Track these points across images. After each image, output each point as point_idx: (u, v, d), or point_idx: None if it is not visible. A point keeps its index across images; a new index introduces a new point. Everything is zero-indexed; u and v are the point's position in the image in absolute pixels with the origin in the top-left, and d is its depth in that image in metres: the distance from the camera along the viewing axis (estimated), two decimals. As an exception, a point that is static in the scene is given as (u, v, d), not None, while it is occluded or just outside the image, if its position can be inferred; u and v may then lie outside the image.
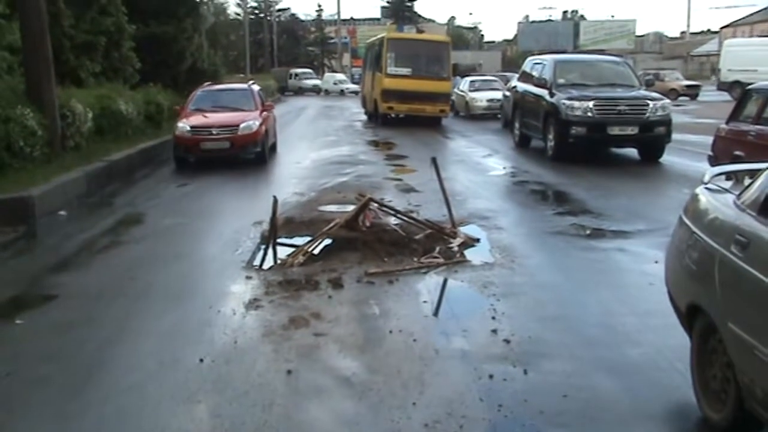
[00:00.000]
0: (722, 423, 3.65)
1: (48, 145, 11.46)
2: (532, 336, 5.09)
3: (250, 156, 13.85)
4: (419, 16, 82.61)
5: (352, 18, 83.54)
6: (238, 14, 66.04)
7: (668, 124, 13.74)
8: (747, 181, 3.96)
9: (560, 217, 9.05)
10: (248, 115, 14.13)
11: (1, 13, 14.08)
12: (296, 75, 58.64)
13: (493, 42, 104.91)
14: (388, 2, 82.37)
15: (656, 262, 6.16)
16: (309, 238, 7.60)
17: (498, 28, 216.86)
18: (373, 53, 25.87)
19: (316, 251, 7.29)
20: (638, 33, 76.02)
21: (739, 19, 70.18)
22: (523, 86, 16.82)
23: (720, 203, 3.94)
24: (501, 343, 4.95)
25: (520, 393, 4.19)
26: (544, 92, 14.79)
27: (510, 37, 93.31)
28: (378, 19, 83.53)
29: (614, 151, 14.78)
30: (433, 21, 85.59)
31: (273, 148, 15.86)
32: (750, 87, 10.36)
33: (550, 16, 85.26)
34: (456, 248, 7.34)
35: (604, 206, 9.62)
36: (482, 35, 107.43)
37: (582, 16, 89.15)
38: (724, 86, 34.79)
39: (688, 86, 39.07)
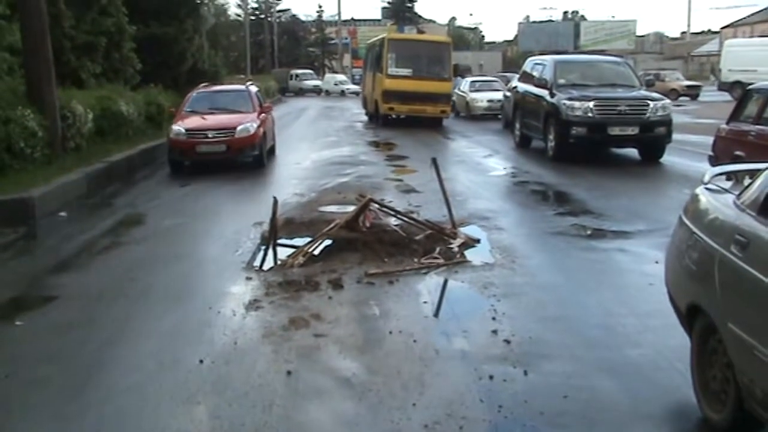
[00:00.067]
0: (722, 423, 3.64)
1: (48, 146, 11.48)
2: (533, 337, 5.09)
3: (247, 159, 13.52)
4: (420, 16, 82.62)
5: (352, 19, 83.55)
6: (239, 15, 66.04)
7: (669, 124, 13.73)
8: (747, 182, 3.95)
9: (561, 218, 9.04)
10: (245, 117, 13.73)
11: (2, 14, 14.09)
12: (297, 76, 58.65)
13: (494, 42, 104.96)
14: (388, 3, 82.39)
15: (657, 262, 6.14)
16: (309, 239, 7.60)
17: (498, 29, 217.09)
18: (373, 54, 25.86)
19: (316, 252, 7.28)
20: (639, 33, 75.98)
21: (740, 20, 70.17)
22: (523, 87, 16.81)
23: (720, 203, 3.94)
24: (501, 344, 4.94)
25: (520, 394, 4.19)
26: (544, 93, 14.79)
27: (510, 37, 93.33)
28: (378, 20, 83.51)
29: (615, 152, 14.77)
30: (434, 22, 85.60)
31: (271, 150, 15.46)
32: (750, 87, 10.36)
33: (551, 16, 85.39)
34: (456, 249, 7.33)
35: (605, 206, 9.62)
36: (483, 36, 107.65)
37: (582, 16, 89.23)
38: (724, 86, 34.80)
39: (688, 86, 39.10)
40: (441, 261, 6.97)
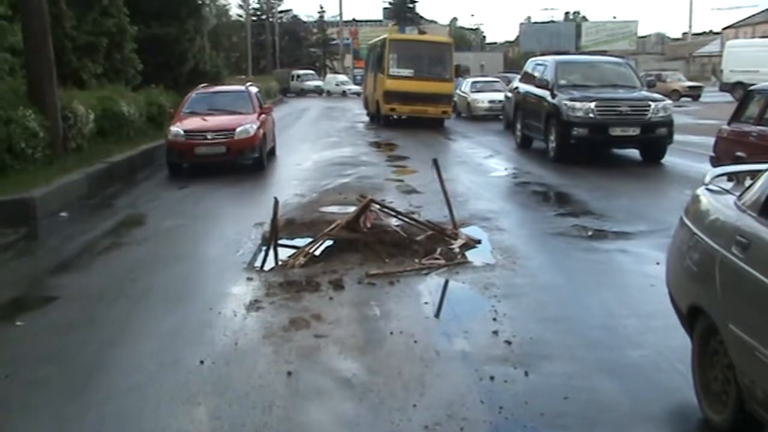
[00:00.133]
0: (723, 424, 3.64)
1: (49, 146, 11.48)
2: (534, 337, 5.08)
3: (247, 162, 13.30)
4: (421, 17, 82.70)
5: (354, 19, 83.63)
6: (240, 16, 66.21)
7: (670, 125, 13.72)
8: (748, 183, 3.95)
9: (562, 219, 9.03)
10: (245, 118, 13.50)
11: (3, 15, 14.10)
12: (298, 76, 58.70)
13: (495, 43, 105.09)
14: (390, 3, 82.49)
15: (658, 263, 6.15)
16: (310, 240, 7.60)
17: (500, 30, 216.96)
18: (375, 54, 25.86)
19: (317, 252, 7.28)
20: (640, 34, 75.97)
21: (741, 20, 70.16)
22: (524, 87, 16.80)
23: (721, 204, 3.93)
24: (502, 345, 4.94)
25: (520, 395, 4.18)
26: (545, 93, 14.78)
27: (512, 38, 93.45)
28: (380, 21, 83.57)
29: (616, 152, 14.76)
30: (435, 22, 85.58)
31: (272, 152, 15.30)
32: (752, 88, 10.35)
33: (552, 17, 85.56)
34: (457, 249, 7.33)
35: (606, 207, 9.61)
36: (484, 36, 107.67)
37: (584, 17, 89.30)
38: (726, 87, 34.77)
39: (690, 87, 39.08)
40: (442, 262, 6.96)
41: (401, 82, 22.48)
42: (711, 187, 4.28)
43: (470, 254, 7.28)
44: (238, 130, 12.99)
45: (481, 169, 13.82)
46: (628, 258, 7.26)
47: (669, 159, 13.77)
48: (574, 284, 6.50)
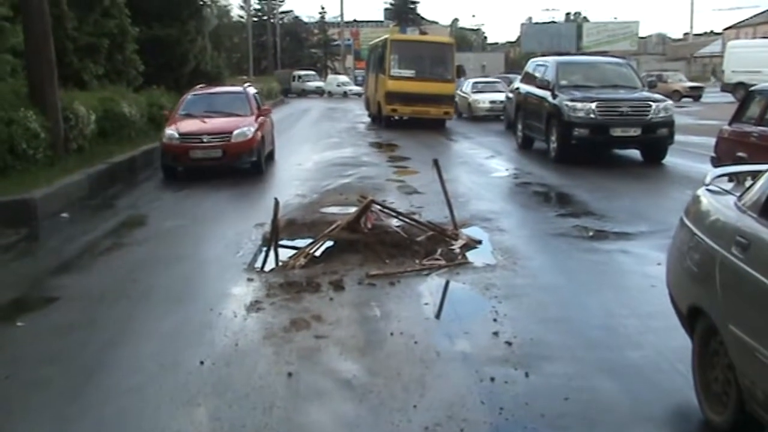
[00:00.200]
0: (723, 425, 3.63)
1: (51, 147, 11.48)
2: (534, 338, 5.08)
3: (244, 166, 12.81)
4: (422, 18, 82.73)
5: (355, 20, 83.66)
6: (242, 17, 66.19)
7: (671, 125, 13.72)
8: (748, 183, 3.94)
9: (563, 219, 9.03)
10: (242, 120, 13.05)
11: (5, 16, 14.11)
12: (299, 77, 58.76)
13: (496, 44, 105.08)
14: (391, 4, 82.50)
15: (659, 264, 6.13)
16: (311, 240, 7.60)
17: (501, 30, 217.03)
18: (376, 55, 25.84)
19: (317, 253, 7.28)
20: (641, 34, 75.96)
21: (743, 21, 70.12)
22: (525, 88, 16.80)
23: (721, 205, 3.93)
24: (502, 346, 4.93)
25: (521, 396, 4.18)
26: (546, 94, 14.78)
27: (513, 38, 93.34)
28: (381, 21, 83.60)
29: (617, 153, 14.76)
30: (436, 23, 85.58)
31: (270, 156, 14.77)
32: (753, 89, 10.34)
33: (553, 17, 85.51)
34: (458, 250, 7.33)
35: (607, 208, 9.61)
36: (485, 37, 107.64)
37: (585, 17, 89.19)
38: (727, 88, 34.75)
39: (691, 88, 39.07)
40: (442, 262, 6.96)
41: (403, 82, 22.44)
42: (711, 187, 4.28)
43: (471, 255, 7.27)
44: (235, 132, 12.58)
45: (482, 170, 13.82)
46: (629, 259, 7.25)
47: (670, 159, 13.77)
48: (574, 285, 6.49)
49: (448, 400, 4.13)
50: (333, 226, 7.75)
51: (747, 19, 69.47)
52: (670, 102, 14.56)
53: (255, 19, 66.20)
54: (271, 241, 7.37)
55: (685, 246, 4.11)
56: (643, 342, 4.99)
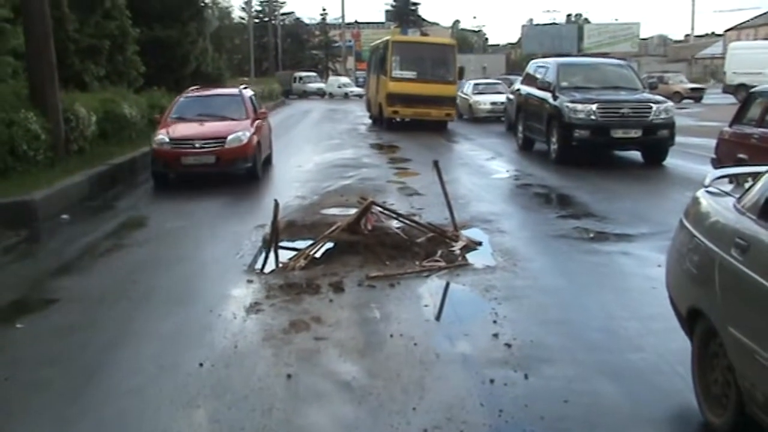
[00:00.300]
0: (723, 427, 3.62)
1: (51, 148, 11.49)
2: (534, 340, 5.07)
3: (239, 172, 12.19)
4: (423, 19, 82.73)
5: (356, 21, 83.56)
6: (243, 18, 66.33)
7: (671, 126, 13.72)
8: (748, 185, 3.94)
9: (563, 221, 9.03)
10: (238, 124, 12.43)
11: (6, 18, 14.14)
12: (300, 78, 58.80)
13: (498, 45, 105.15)
14: (392, 5, 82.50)
15: (659, 265, 6.10)
16: (311, 242, 7.60)
17: (502, 32, 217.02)
18: (377, 56, 25.82)
19: (317, 255, 7.28)
20: (642, 36, 76.01)
21: (744, 22, 70.11)
22: (526, 89, 16.80)
23: (720, 206, 3.93)
24: (502, 348, 4.93)
25: (520, 398, 4.17)
26: (547, 95, 14.78)
27: (514, 40, 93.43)
28: (382, 23, 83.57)
29: (618, 154, 14.75)
30: (438, 24, 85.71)
31: (267, 161, 14.17)
32: (753, 90, 10.35)
33: (554, 19, 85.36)
34: (458, 252, 7.32)
35: (608, 209, 9.60)
36: (486, 38, 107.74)
37: (586, 19, 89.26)
38: (729, 89, 34.72)
39: (692, 89, 39.05)
40: (442, 264, 6.96)
41: (404, 84, 22.39)
42: (711, 189, 4.27)
43: (471, 256, 7.27)
44: (230, 138, 11.95)
45: (482, 171, 13.81)
46: (630, 260, 7.25)
47: (671, 161, 13.76)
48: (575, 287, 6.48)
49: (447, 402, 4.13)
50: (333, 228, 7.75)
51: (748, 21, 69.45)
52: (670, 103, 14.56)
53: (256, 20, 66.29)
54: (271, 242, 7.37)
55: (685, 248, 4.10)
56: (644, 344, 4.99)
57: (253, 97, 14.50)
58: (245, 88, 15.29)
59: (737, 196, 3.84)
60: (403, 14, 79.77)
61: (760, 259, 3.21)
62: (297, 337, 5.16)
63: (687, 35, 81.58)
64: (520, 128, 16.94)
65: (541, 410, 4.02)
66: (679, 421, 4.07)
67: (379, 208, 8.12)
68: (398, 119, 23.16)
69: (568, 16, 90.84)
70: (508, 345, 4.95)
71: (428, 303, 6.00)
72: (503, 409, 4.03)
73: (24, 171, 10.60)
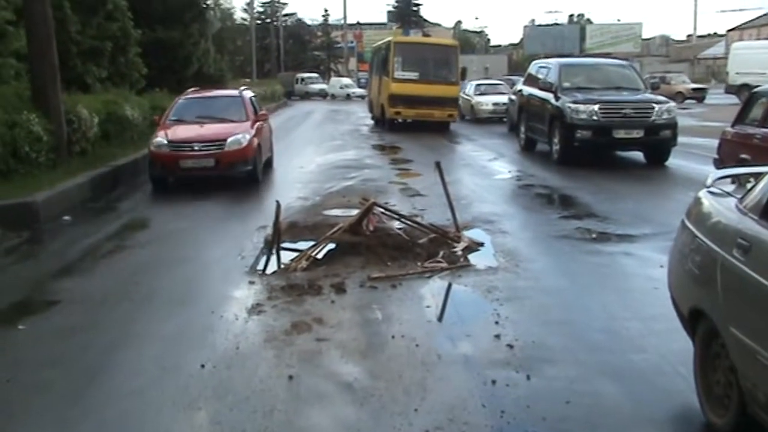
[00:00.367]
0: (725, 428, 3.62)
1: (54, 150, 11.50)
2: (536, 341, 5.07)
3: (239, 175, 11.93)
4: (425, 20, 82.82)
5: (358, 22, 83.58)
6: (245, 19, 66.32)
7: (674, 127, 13.71)
8: (750, 185, 3.93)
9: (565, 221, 9.02)
10: (238, 127, 12.18)
11: (8, 20, 14.15)
12: (302, 79, 58.81)
13: (500, 46, 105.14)
14: (394, 7, 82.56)
15: (662, 266, 6.07)
16: (313, 243, 7.59)
17: (504, 32, 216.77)
18: (379, 57, 25.81)
19: (319, 256, 7.28)
20: (645, 36, 75.93)
21: (746, 22, 70.11)
22: (528, 90, 16.80)
23: (722, 207, 3.92)
24: (504, 349, 4.92)
25: (522, 399, 4.17)
26: (549, 96, 14.78)
27: (516, 41, 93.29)
28: (384, 24, 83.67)
29: (620, 155, 14.74)
30: (440, 25, 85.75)
31: (268, 163, 13.93)
32: (756, 90, 10.33)
33: (556, 19, 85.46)
34: (460, 252, 7.31)
35: (610, 210, 9.59)
36: (488, 39, 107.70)
37: (588, 19, 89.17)
38: (732, 89, 34.66)
39: (694, 89, 39.02)
40: (444, 265, 6.95)
41: (406, 85, 22.34)
42: (713, 189, 4.27)
43: (473, 257, 7.27)
44: (229, 140, 11.69)
45: (484, 172, 13.81)
46: (632, 261, 7.24)
47: (673, 161, 13.75)
48: (577, 287, 6.48)
49: (449, 403, 4.12)
50: (335, 229, 7.74)
51: (751, 21, 69.43)
52: (673, 104, 14.55)
53: (258, 21, 66.37)
54: (273, 243, 7.38)
55: (687, 248, 4.09)
56: (646, 345, 4.98)
57: (254, 99, 14.28)
58: (245, 89, 15.18)
59: (739, 196, 3.84)
60: (405, 15, 79.85)
61: (762, 260, 3.20)
62: (299, 338, 5.16)
63: (689, 35, 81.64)
64: (522, 129, 16.94)
65: (543, 411, 4.01)
66: (681, 421, 4.06)
67: (381, 209, 8.12)
68: (400, 120, 23.15)
69: (570, 16, 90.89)
70: (510, 346, 4.95)
71: (430, 304, 5.99)
72: (505, 409, 4.03)
73: (26, 172, 10.61)
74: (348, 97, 51.76)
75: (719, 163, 9.65)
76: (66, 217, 9.68)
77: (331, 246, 7.53)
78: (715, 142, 10.69)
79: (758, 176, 3.83)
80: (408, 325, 5.42)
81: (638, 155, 14.32)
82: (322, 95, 55.25)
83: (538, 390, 4.29)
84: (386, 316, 5.64)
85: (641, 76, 16.57)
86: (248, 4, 61.13)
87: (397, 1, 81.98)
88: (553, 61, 16.66)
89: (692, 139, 16.16)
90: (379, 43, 28.10)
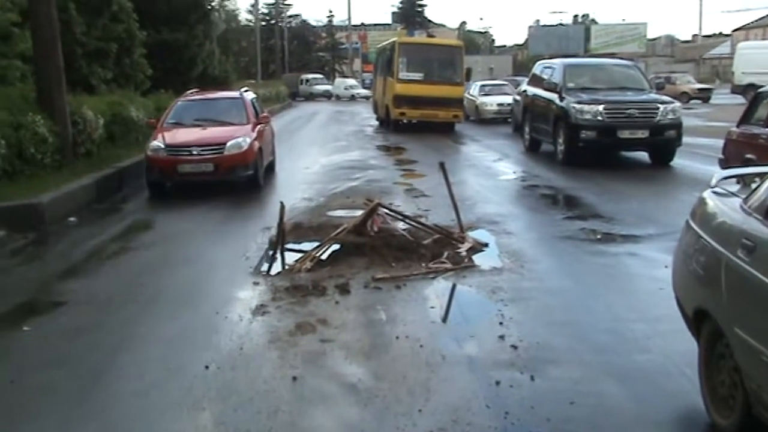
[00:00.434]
0: (730, 429, 3.61)
1: (59, 151, 11.53)
2: (540, 342, 5.06)
3: (239, 180, 11.53)
4: (430, 21, 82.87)
5: (362, 23, 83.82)
6: (250, 21, 66.42)
7: (679, 127, 13.68)
8: (754, 185, 3.92)
9: (570, 222, 9.01)
10: (238, 130, 11.75)
11: (14, 22, 14.20)
12: (307, 80, 58.90)
13: (504, 46, 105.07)
14: (398, 7, 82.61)
15: (666, 266, 6.06)
16: (317, 244, 7.60)
17: (509, 33, 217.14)
18: (384, 58, 25.81)
19: (323, 257, 7.28)
20: (650, 36, 75.85)
21: (752, 22, 69.90)
22: (533, 90, 16.78)
23: (727, 207, 3.91)
24: (508, 349, 4.92)
25: (527, 400, 4.16)
26: (554, 96, 14.76)
27: (521, 41, 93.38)
28: (389, 24, 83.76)
29: (624, 155, 14.71)
30: (444, 26, 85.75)
31: (270, 167, 13.53)
32: (761, 90, 10.31)
33: (561, 20, 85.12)
34: (464, 253, 7.31)
35: (615, 210, 9.58)
36: (493, 40, 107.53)
37: (593, 19, 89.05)
38: (737, 89, 34.60)
39: (699, 89, 38.96)
40: (449, 265, 6.95)
41: (411, 86, 22.33)
42: (717, 189, 4.26)
43: (477, 258, 7.27)
44: (229, 144, 11.29)
45: (489, 173, 13.80)
46: (637, 261, 7.22)
47: (678, 161, 13.72)
48: (581, 288, 6.47)
49: (453, 404, 4.12)
50: (339, 230, 7.75)
51: (756, 21, 69.23)
52: (677, 104, 14.51)
53: (263, 23, 66.38)
54: (278, 244, 7.39)
55: (691, 248, 4.08)
56: (650, 346, 4.97)
57: (255, 101, 13.88)
58: (246, 90, 14.59)
59: (744, 196, 3.83)
60: (410, 16, 79.91)
61: (766, 260, 3.19)
62: (303, 339, 5.17)
63: (695, 35, 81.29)
64: (527, 129, 16.93)
65: (547, 412, 4.01)
66: (685, 422, 4.05)
67: (386, 210, 8.12)
68: (405, 121, 23.14)
69: (575, 16, 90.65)
70: (515, 347, 4.94)
71: (434, 305, 5.99)
72: (509, 410, 4.02)
73: (32, 174, 10.64)
74: (352, 97, 51.79)
75: (724, 163, 9.63)
76: (71, 219, 9.71)
77: (336, 247, 7.53)
78: (720, 143, 10.67)
79: (763, 176, 3.83)
80: (412, 325, 5.42)
81: (643, 155, 14.30)
82: (327, 96, 55.32)
83: (542, 391, 4.29)
84: (390, 317, 5.64)
85: (646, 76, 16.54)
86: (253, 6, 61.19)
87: (401, 2, 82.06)
88: (558, 62, 16.63)
89: (697, 140, 16.11)
90: (384, 43, 28.11)
